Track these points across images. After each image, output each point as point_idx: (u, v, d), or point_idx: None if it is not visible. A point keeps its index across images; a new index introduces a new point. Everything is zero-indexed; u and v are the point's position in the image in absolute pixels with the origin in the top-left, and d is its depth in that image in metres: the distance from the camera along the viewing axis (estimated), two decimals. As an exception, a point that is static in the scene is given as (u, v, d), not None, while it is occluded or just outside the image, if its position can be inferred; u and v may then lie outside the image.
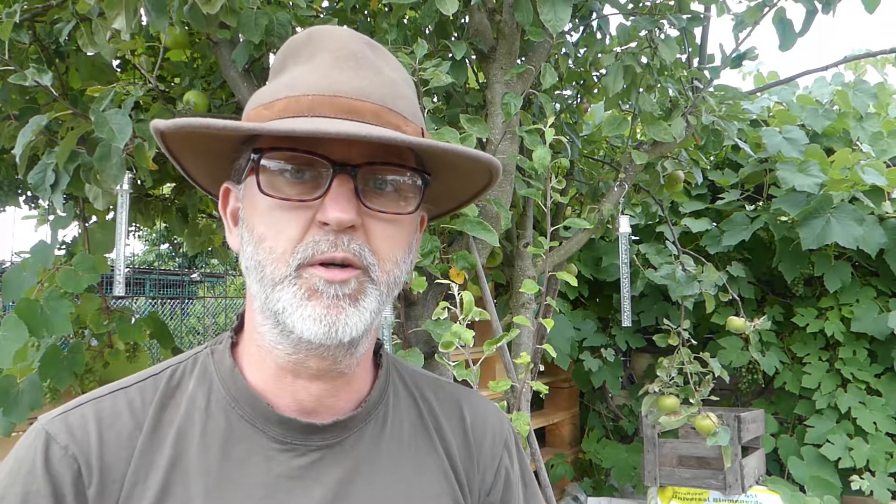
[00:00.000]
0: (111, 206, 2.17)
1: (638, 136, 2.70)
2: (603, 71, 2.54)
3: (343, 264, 0.65)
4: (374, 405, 0.77)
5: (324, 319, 0.65)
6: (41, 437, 0.66)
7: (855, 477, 2.74)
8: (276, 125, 0.62)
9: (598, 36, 2.58)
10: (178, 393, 0.72)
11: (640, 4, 2.39)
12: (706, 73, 2.51)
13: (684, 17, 2.34)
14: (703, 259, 2.74)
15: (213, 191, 0.80)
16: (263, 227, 0.67)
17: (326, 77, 0.68)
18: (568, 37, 2.57)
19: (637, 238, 3.44)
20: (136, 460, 0.67)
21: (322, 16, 1.97)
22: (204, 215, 2.94)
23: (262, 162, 0.66)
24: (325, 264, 0.65)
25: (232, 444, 0.69)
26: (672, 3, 2.33)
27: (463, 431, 0.82)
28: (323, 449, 0.71)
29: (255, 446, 0.69)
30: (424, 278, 1.76)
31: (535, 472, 1.70)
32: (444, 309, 1.57)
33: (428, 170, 0.72)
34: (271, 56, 1.95)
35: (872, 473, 2.77)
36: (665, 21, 2.25)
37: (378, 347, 0.82)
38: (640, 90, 2.32)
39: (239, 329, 0.78)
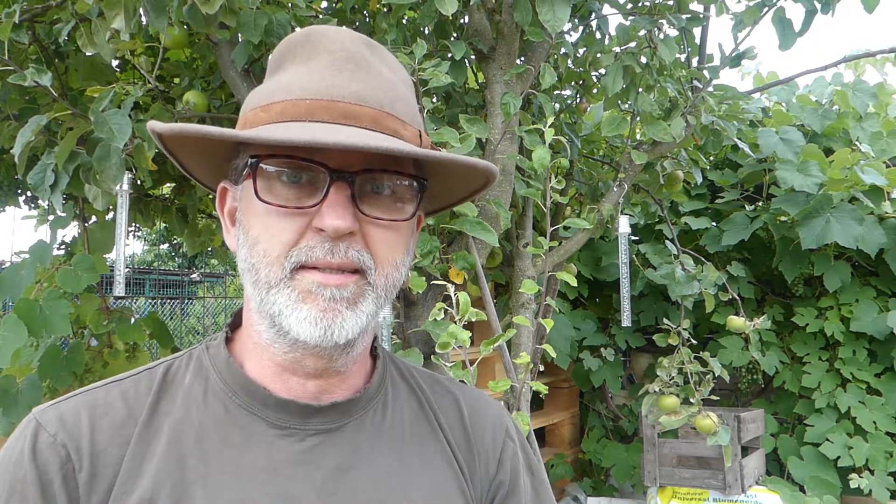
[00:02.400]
0: (111, 207, 2.18)
1: (637, 135, 2.70)
2: (602, 71, 2.54)
3: (341, 269, 0.66)
4: (373, 394, 0.77)
5: (320, 322, 0.65)
6: (31, 426, 0.67)
7: (854, 475, 2.74)
8: (273, 133, 0.62)
9: (598, 36, 2.58)
10: (174, 386, 0.73)
11: (640, 4, 2.39)
12: (705, 72, 2.51)
13: (683, 16, 2.34)
14: (703, 258, 2.74)
15: (213, 187, 0.80)
16: (259, 231, 0.67)
17: (324, 80, 0.67)
18: (567, 37, 2.57)
19: (637, 238, 3.44)
20: (132, 448, 0.67)
21: (321, 16, 1.97)
22: (204, 215, 2.94)
23: (260, 167, 0.66)
24: (321, 269, 0.65)
25: (231, 432, 0.70)
26: (671, 2, 2.33)
27: (461, 425, 0.82)
28: (322, 434, 0.71)
29: (254, 433, 0.70)
30: (424, 278, 1.76)
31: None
32: (440, 310, 1.57)
33: (425, 174, 0.72)
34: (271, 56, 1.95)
35: (872, 472, 2.77)
36: (664, 21, 2.25)
37: (372, 341, 0.82)
38: (640, 90, 2.32)
39: (235, 326, 0.79)
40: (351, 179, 0.65)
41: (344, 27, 0.76)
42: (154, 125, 0.65)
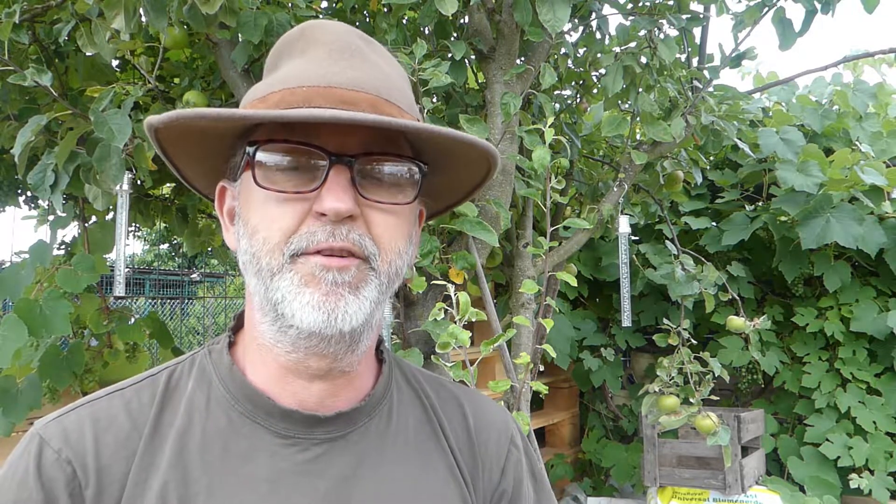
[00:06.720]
0: (111, 207, 2.17)
1: (637, 136, 2.70)
2: (602, 71, 2.54)
3: (342, 254, 0.65)
4: (378, 400, 0.76)
5: (322, 307, 0.64)
6: (35, 443, 0.66)
7: (854, 476, 2.74)
8: (270, 111, 0.62)
9: (598, 36, 2.58)
10: (176, 394, 0.72)
11: (640, 4, 2.39)
12: (705, 72, 2.51)
13: (683, 16, 2.34)
14: (703, 258, 2.74)
15: (209, 192, 0.80)
16: (258, 219, 0.66)
17: (321, 69, 0.67)
18: (567, 37, 2.57)
19: (637, 238, 3.44)
20: (137, 461, 0.66)
21: (321, 16, 1.97)
22: (204, 215, 2.94)
23: (258, 155, 0.65)
24: (324, 253, 0.64)
25: (234, 442, 0.69)
26: (671, 2, 2.33)
27: (466, 431, 0.81)
28: (327, 443, 0.71)
29: (257, 442, 0.69)
30: (424, 278, 1.76)
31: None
32: (440, 310, 1.57)
33: (425, 161, 0.72)
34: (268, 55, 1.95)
35: (872, 472, 2.77)
36: (664, 21, 2.25)
37: (379, 343, 0.81)
38: (640, 90, 2.32)
39: (237, 329, 0.78)
40: (350, 163, 0.65)
41: (338, 21, 0.75)
42: (151, 118, 0.65)
